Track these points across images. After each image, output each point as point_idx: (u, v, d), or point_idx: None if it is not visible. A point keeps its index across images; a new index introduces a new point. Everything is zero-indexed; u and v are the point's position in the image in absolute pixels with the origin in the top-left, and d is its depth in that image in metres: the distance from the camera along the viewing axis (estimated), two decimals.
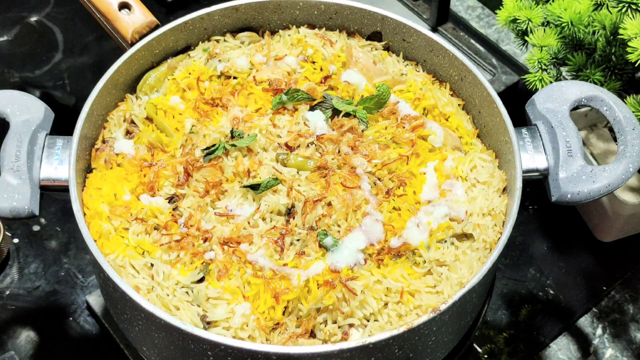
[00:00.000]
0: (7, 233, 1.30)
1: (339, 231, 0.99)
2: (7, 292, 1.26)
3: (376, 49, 1.19)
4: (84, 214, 1.00)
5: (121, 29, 1.14)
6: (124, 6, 1.15)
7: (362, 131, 1.06)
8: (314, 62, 1.13)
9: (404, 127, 1.05)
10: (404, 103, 1.08)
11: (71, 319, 1.24)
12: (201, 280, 0.97)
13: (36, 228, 1.33)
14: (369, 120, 1.06)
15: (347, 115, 1.06)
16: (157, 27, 1.14)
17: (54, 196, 1.26)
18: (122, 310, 1.00)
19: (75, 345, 1.22)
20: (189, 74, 1.13)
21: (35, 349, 1.21)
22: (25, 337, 1.22)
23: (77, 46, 1.58)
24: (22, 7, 1.63)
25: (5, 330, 1.22)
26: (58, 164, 1.02)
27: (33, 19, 1.62)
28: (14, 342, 1.21)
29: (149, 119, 1.10)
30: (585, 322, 1.27)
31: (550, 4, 1.23)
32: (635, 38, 1.08)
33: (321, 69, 1.12)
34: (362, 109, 1.06)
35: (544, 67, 1.23)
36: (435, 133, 1.07)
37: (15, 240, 1.31)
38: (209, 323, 0.94)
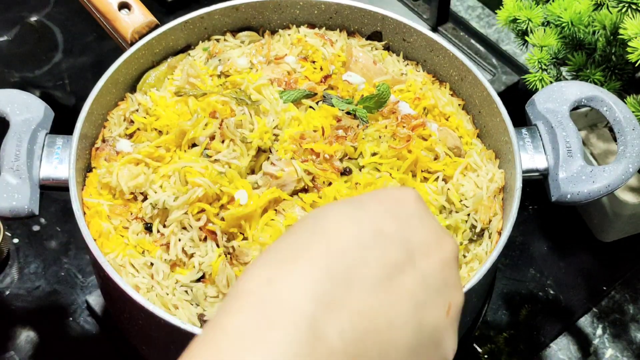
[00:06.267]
0: (7, 233, 1.29)
1: None
2: (7, 292, 1.26)
3: (376, 49, 1.19)
4: (84, 213, 1.00)
5: (121, 29, 1.14)
6: (123, 6, 1.15)
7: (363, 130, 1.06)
8: (314, 62, 1.13)
9: (403, 127, 1.04)
10: (404, 103, 1.08)
11: (71, 319, 1.24)
12: (201, 278, 0.97)
13: (36, 228, 1.33)
14: (369, 120, 1.05)
15: (347, 114, 1.06)
16: (156, 27, 1.14)
17: (53, 196, 1.25)
18: (121, 309, 1.00)
19: (75, 345, 1.22)
20: None
21: (35, 349, 1.21)
22: (25, 337, 1.22)
23: (77, 46, 1.58)
24: (22, 7, 1.63)
25: (5, 330, 1.22)
26: (58, 163, 1.01)
27: (33, 19, 1.62)
28: (14, 342, 1.21)
29: None
30: (585, 322, 1.27)
31: (550, 4, 1.23)
32: (635, 38, 1.08)
33: (321, 69, 1.12)
34: (362, 108, 1.06)
35: (544, 67, 1.23)
36: (434, 133, 1.07)
37: (15, 240, 1.31)
38: (205, 322, 0.94)
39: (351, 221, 0.61)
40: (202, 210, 0.97)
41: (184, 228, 0.98)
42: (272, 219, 0.97)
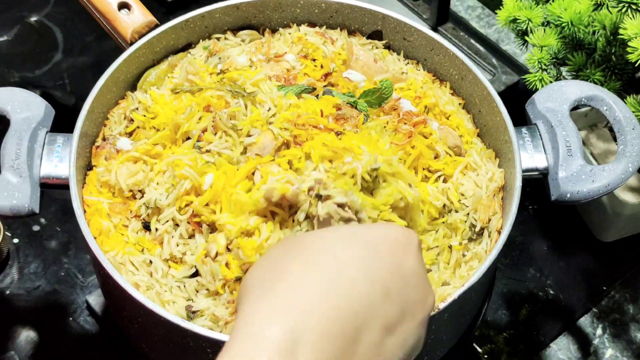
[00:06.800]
0: (7, 233, 1.29)
1: None
2: (7, 292, 1.26)
3: (377, 48, 1.19)
4: (84, 211, 1.00)
5: (120, 29, 1.14)
6: (123, 6, 1.15)
7: (362, 123, 1.05)
8: (314, 60, 1.13)
9: (405, 124, 1.04)
10: (405, 100, 1.08)
11: (71, 319, 1.24)
12: (195, 274, 0.97)
13: (36, 228, 1.33)
14: (370, 115, 1.05)
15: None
16: (156, 26, 1.14)
17: (53, 196, 1.25)
18: (121, 307, 1.00)
19: (76, 345, 1.22)
20: None
21: (35, 349, 1.21)
22: (25, 337, 1.22)
23: (77, 46, 1.58)
24: (22, 7, 1.63)
25: (5, 330, 1.22)
26: (58, 161, 1.01)
27: (33, 19, 1.62)
28: (14, 342, 1.21)
29: None
30: (585, 322, 1.27)
31: (550, 4, 1.23)
32: (635, 38, 1.08)
33: (321, 67, 1.12)
34: (363, 101, 1.05)
35: (544, 67, 1.23)
36: (435, 132, 1.07)
37: (15, 240, 1.31)
38: (194, 312, 0.94)
39: (367, 276, 0.67)
40: (191, 203, 0.97)
41: (177, 225, 0.98)
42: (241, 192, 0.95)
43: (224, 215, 0.94)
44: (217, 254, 0.94)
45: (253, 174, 0.97)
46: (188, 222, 0.97)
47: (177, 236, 0.97)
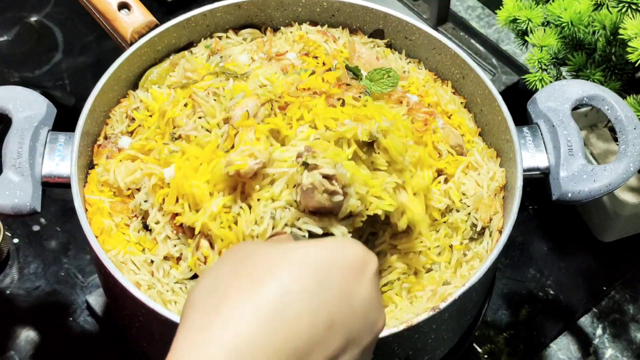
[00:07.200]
0: (7, 233, 1.29)
1: None
2: (7, 292, 1.26)
3: (378, 46, 1.19)
4: (86, 210, 1.00)
5: (120, 29, 1.14)
6: (123, 6, 1.15)
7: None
8: (316, 57, 1.13)
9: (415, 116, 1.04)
10: (413, 95, 1.07)
11: (71, 319, 1.24)
12: (196, 275, 0.96)
13: (36, 228, 1.33)
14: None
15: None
16: (156, 26, 1.14)
17: (54, 196, 1.25)
18: (122, 306, 1.00)
19: (76, 346, 1.22)
20: None
21: (35, 349, 1.21)
22: (25, 337, 1.22)
23: (77, 46, 1.58)
24: (22, 7, 1.63)
25: (5, 330, 1.22)
26: (60, 160, 1.01)
27: (33, 19, 1.62)
28: (14, 342, 1.21)
29: None
30: (585, 322, 1.27)
31: (550, 4, 1.23)
32: (635, 38, 1.08)
33: (324, 64, 1.11)
34: (367, 79, 1.03)
35: (544, 67, 1.23)
36: (439, 129, 1.07)
37: (15, 240, 1.31)
38: None
39: (312, 309, 0.65)
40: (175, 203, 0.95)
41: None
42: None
43: (188, 214, 0.93)
44: (205, 259, 0.93)
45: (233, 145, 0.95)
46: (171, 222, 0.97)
47: (164, 237, 0.97)
